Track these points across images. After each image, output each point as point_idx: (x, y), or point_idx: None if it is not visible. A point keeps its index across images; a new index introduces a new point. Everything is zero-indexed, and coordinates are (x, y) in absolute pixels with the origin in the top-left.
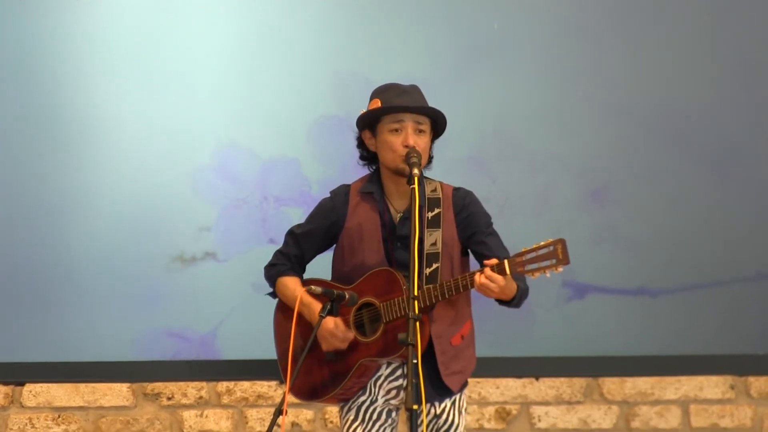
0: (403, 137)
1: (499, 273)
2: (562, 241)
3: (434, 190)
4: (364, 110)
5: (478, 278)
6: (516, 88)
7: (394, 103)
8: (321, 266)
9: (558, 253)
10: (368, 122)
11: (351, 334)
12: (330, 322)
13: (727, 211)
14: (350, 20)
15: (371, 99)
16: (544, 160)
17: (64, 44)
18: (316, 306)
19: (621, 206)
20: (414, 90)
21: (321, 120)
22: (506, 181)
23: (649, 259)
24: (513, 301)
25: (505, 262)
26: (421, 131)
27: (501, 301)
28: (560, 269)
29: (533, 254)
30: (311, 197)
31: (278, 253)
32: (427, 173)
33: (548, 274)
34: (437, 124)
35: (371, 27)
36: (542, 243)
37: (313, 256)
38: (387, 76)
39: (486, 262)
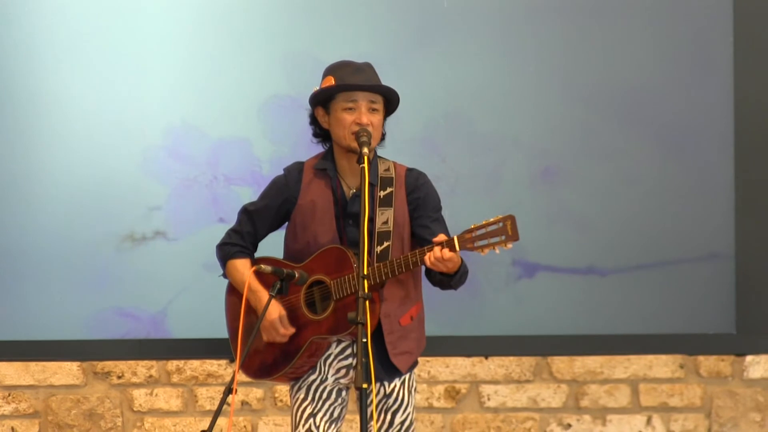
0: (357, 115)
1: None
2: (512, 218)
3: (387, 170)
4: (317, 88)
5: (429, 255)
6: (466, 67)
7: (348, 82)
8: (274, 244)
9: (507, 229)
10: (321, 100)
11: (292, 330)
12: (275, 312)
13: (679, 191)
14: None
15: (324, 76)
16: (494, 139)
17: (12, 21)
18: (264, 294)
19: (571, 185)
20: (368, 67)
21: (272, 100)
22: (456, 161)
23: (598, 239)
24: (454, 278)
25: (455, 238)
26: (374, 109)
27: (441, 281)
28: (510, 246)
29: (483, 230)
30: (261, 177)
31: (231, 232)
32: (380, 152)
33: (498, 251)
34: (390, 101)
35: (323, 7)
36: (492, 219)
37: (267, 234)
38: (338, 55)
39: (435, 239)
